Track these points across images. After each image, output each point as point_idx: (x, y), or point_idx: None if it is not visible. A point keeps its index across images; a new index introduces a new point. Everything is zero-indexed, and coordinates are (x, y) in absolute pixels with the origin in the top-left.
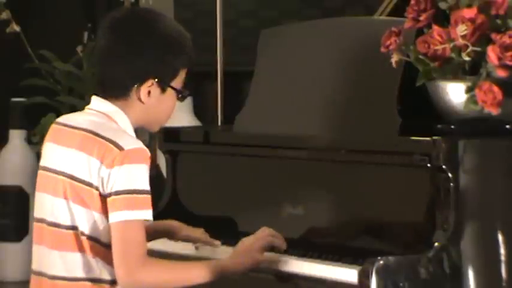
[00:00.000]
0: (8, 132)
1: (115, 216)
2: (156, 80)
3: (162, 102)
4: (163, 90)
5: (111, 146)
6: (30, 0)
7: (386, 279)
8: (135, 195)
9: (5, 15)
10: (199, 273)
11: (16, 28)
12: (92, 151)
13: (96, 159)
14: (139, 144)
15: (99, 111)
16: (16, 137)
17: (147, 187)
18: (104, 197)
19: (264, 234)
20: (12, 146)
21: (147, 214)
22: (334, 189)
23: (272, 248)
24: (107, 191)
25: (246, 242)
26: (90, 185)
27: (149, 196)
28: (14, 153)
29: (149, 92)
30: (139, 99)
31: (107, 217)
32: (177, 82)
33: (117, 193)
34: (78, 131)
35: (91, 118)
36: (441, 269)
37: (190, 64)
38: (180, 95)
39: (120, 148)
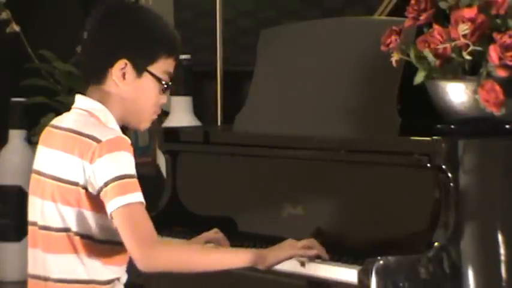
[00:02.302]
0: (8, 132)
1: (110, 206)
2: (129, 61)
3: (140, 89)
4: (139, 73)
5: (90, 141)
6: (30, 0)
7: (387, 279)
8: (121, 181)
9: (5, 15)
10: (229, 257)
11: (16, 28)
12: (73, 150)
13: (77, 158)
14: (117, 134)
15: (82, 108)
16: (16, 137)
17: (131, 171)
18: (94, 195)
19: (311, 240)
20: (12, 146)
21: (139, 196)
22: (334, 189)
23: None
24: (97, 187)
25: (285, 241)
26: (76, 184)
27: (135, 180)
28: (14, 153)
29: (124, 75)
30: (116, 83)
31: (97, 214)
32: (157, 69)
33: (106, 184)
34: (61, 131)
35: (74, 117)
36: (441, 269)
37: (171, 52)
38: (162, 85)
39: (97, 141)
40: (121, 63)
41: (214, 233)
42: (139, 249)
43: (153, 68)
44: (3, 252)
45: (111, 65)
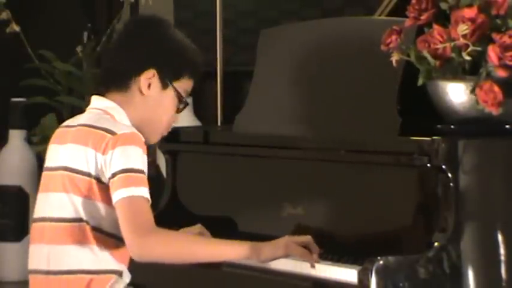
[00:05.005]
0: (8, 132)
1: (115, 196)
2: (158, 72)
3: (161, 102)
4: (164, 86)
5: (104, 133)
6: (30, 0)
7: (386, 279)
8: (129, 174)
9: (5, 15)
10: (225, 248)
11: (16, 28)
12: (87, 141)
13: (91, 149)
14: (132, 129)
15: (97, 108)
16: (16, 137)
17: (141, 167)
18: (105, 185)
19: (306, 237)
20: (12, 146)
21: (144, 191)
22: (334, 189)
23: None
24: (107, 177)
25: (286, 237)
26: (88, 175)
27: (144, 176)
28: (14, 153)
29: (149, 85)
30: (140, 91)
31: (108, 205)
32: (180, 87)
33: (114, 175)
34: (74, 128)
35: (88, 115)
36: (441, 269)
37: (195, 76)
38: (180, 102)
39: (112, 133)
40: (149, 72)
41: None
42: (134, 238)
43: (177, 85)
44: (3, 252)
45: (139, 73)
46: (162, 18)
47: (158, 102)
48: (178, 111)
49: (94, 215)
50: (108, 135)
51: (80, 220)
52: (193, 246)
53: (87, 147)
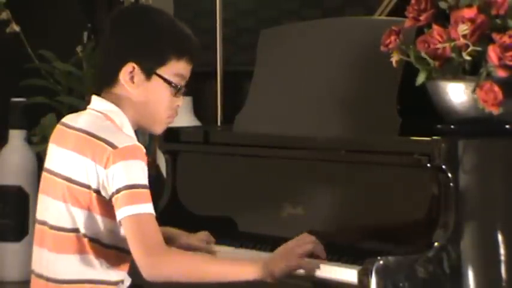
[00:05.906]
0: (8, 132)
1: (120, 213)
2: (137, 64)
3: (150, 92)
4: (147, 77)
5: (105, 145)
6: (30, 0)
7: (386, 279)
8: (133, 190)
9: (5, 15)
10: (235, 269)
11: (16, 28)
12: (86, 152)
13: (90, 161)
14: (133, 142)
15: (97, 110)
16: (16, 137)
17: (144, 181)
18: (104, 198)
19: (305, 240)
20: (12, 146)
21: (149, 208)
22: (334, 189)
23: (310, 255)
24: (110, 192)
25: (287, 245)
26: (88, 187)
27: (147, 190)
28: (13, 153)
29: (132, 78)
30: (126, 87)
31: (106, 218)
32: (167, 72)
33: (118, 191)
34: (74, 131)
35: (88, 118)
36: (441, 269)
37: (182, 54)
38: (173, 87)
39: (113, 147)
40: (129, 66)
41: (201, 242)
42: (145, 258)
43: (162, 71)
44: (3, 252)
45: (120, 68)
46: (142, 6)
47: (148, 93)
48: (176, 95)
49: (92, 227)
50: (109, 148)
51: (77, 231)
52: (204, 267)
53: (87, 158)
